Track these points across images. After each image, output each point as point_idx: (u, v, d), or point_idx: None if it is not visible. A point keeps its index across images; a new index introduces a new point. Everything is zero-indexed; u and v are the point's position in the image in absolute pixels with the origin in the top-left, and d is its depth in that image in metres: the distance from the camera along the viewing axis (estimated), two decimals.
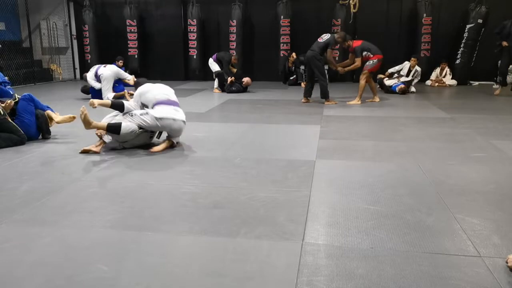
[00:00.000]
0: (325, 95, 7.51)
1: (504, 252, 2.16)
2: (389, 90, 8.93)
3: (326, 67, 7.74)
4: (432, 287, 1.86)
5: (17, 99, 4.68)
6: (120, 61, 10.37)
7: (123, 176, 3.51)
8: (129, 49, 11.75)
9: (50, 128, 4.87)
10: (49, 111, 4.87)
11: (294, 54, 10.64)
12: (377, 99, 7.68)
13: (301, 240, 2.31)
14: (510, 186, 3.19)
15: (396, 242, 2.28)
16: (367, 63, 7.46)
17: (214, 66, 9.41)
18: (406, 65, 9.09)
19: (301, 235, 2.37)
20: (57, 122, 4.85)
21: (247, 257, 2.13)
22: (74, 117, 4.84)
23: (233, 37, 11.11)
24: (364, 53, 7.43)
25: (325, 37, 7.43)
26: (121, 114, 4.26)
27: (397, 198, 2.93)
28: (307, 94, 7.68)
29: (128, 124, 4.10)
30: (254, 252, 2.18)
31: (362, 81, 7.47)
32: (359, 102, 7.50)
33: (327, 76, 7.59)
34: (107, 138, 4.27)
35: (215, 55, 9.51)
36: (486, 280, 1.91)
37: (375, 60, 7.40)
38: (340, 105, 7.40)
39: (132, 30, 11.70)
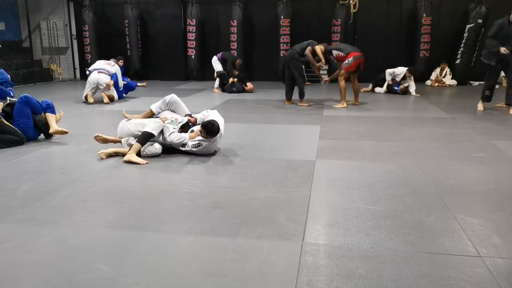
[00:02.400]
0: (302, 96, 7.39)
1: (504, 252, 2.16)
2: (392, 90, 8.92)
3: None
4: (432, 287, 1.86)
5: (8, 102, 4.63)
6: (121, 61, 10.40)
7: (123, 176, 3.50)
8: (139, 48, 11.88)
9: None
10: (48, 115, 4.75)
11: None
12: (357, 103, 7.51)
13: (301, 240, 2.31)
14: (510, 186, 3.19)
15: (396, 242, 2.28)
16: (343, 63, 7.21)
17: (217, 65, 9.38)
18: (402, 70, 8.94)
19: (301, 235, 2.37)
20: (51, 133, 4.76)
21: (247, 257, 2.13)
22: (67, 132, 4.73)
23: (234, 37, 11.10)
24: (336, 52, 7.23)
25: (307, 41, 7.39)
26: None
27: (397, 198, 2.93)
28: (289, 95, 7.58)
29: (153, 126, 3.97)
30: (254, 252, 2.18)
31: (341, 82, 7.21)
32: (345, 105, 7.23)
33: (305, 78, 7.44)
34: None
35: (220, 54, 9.48)
36: (486, 280, 1.91)
37: (350, 59, 7.13)
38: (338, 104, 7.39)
39: (139, 30, 11.79)
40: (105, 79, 7.59)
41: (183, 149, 4.03)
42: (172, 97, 4.41)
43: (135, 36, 11.72)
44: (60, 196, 3.00)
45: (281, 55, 11.01)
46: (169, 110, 4.38)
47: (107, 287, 1.88)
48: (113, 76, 7.78)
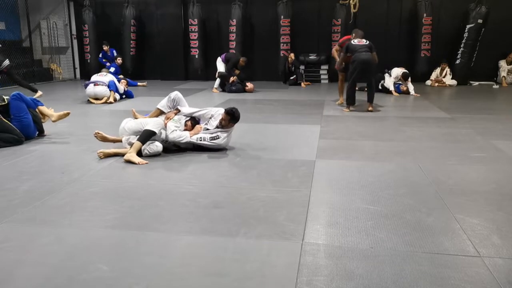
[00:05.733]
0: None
1: (504, 252, 2.16)
2: (394, 90, 8.90)
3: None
4: (432, 287, 1.86)
5: (6, 102, 4.59)
6: (118, 58, 10.68)
7: (123, 176, 3.51)
8: (130, 49, 11.87)
9: (43, 124, 4.90)
10: (42, 108, 4.82)
11: (292, 55, 10.63)
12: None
13: (301, 240, 2.31)
14: (510, 186, 3.19)
15: (396, 242, 2.28)
16: None
17: (220, 66, 9.46)
18: (396, 72, 8.96)
19: (301, 235, 2.37)
20: (54, 121, 4.84)
21: (247, 257, 2.13)
22: (68, 113, 4.88)
23: (233, 36, 11.10)
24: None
25: (364, 41, 6.73)
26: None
27: (397, 198, 2.93)
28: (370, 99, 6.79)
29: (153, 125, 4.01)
30: (254, 252, 2.18)
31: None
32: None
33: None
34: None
35: (223, 55, 9.55)
36: (486, 280, 1.91)
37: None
38: (340, 105, 7.38)
39: (134, 30, 11.81)
40: (103, 91, 7.63)
41: (199, 142, 4.08)
42: (177, 94, 4.44)
43: (134, 36, 11.71)
44: (60, 196, 3.00)
45: (281, 55, 11.02)
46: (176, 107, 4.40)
47: (107, 287, 1.88)
48: (111, 86, 7.77)
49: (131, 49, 11.79)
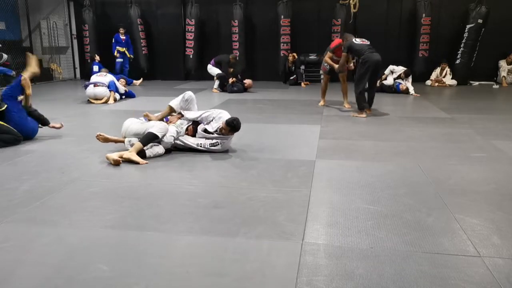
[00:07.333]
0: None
1: (504, 252, 2.16)
2: (394, 89, 8.91)
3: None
4: (432, 287, 1.86)
5: (3, 108, 4.51)
6: (121, 29, 10.94)
7: (123, 176, 3.50)
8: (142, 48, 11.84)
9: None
10: (24, 81, 4.76)
11: (294, 55, 10.64)
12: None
13: (301, 240, 2.31)
14: (510, 186, 3.19)
15: (396, 242, 2.28)
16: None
17: (213, 70, 9.52)
18: (400, 69, 9.02)
19: (301, 235, 2.37)
20: (35, 72, 4.93)
21: (247, 257, 2.13)
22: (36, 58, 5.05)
23: (236, 37, 11.08)
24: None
25: (366, 41, 6.55)
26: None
27: (397, 198, 2.93)
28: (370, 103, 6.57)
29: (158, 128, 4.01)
30: (254, 252, 2.18)
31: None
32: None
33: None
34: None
35: (212, 60, 9.63)
36: (486, 280, 1.91)
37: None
38: (340, 105, 7.38)
39: (141, 29, 11.85)
40: (102, 92, 7.62)
41: (198, 148, 4.10)
42: (191, 95, 4.45)
43: (136, 36, 11.70)
44: (60, 196, 3.00)
45: (281, 55, 11.02)
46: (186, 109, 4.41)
47: (107, 287, 1.88)
48: (111, 86, 7.76)
49: (143, 48, 11.78)
